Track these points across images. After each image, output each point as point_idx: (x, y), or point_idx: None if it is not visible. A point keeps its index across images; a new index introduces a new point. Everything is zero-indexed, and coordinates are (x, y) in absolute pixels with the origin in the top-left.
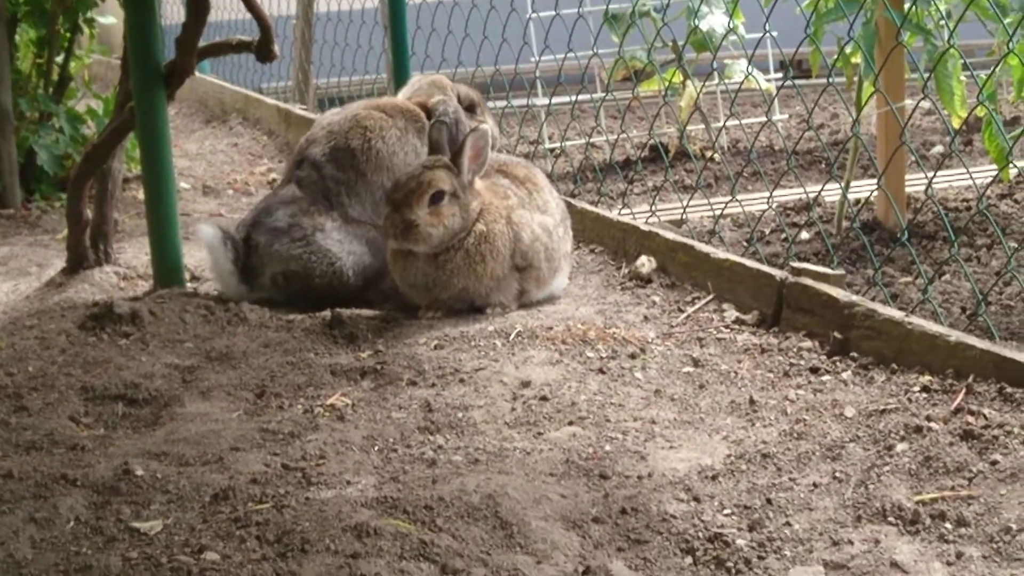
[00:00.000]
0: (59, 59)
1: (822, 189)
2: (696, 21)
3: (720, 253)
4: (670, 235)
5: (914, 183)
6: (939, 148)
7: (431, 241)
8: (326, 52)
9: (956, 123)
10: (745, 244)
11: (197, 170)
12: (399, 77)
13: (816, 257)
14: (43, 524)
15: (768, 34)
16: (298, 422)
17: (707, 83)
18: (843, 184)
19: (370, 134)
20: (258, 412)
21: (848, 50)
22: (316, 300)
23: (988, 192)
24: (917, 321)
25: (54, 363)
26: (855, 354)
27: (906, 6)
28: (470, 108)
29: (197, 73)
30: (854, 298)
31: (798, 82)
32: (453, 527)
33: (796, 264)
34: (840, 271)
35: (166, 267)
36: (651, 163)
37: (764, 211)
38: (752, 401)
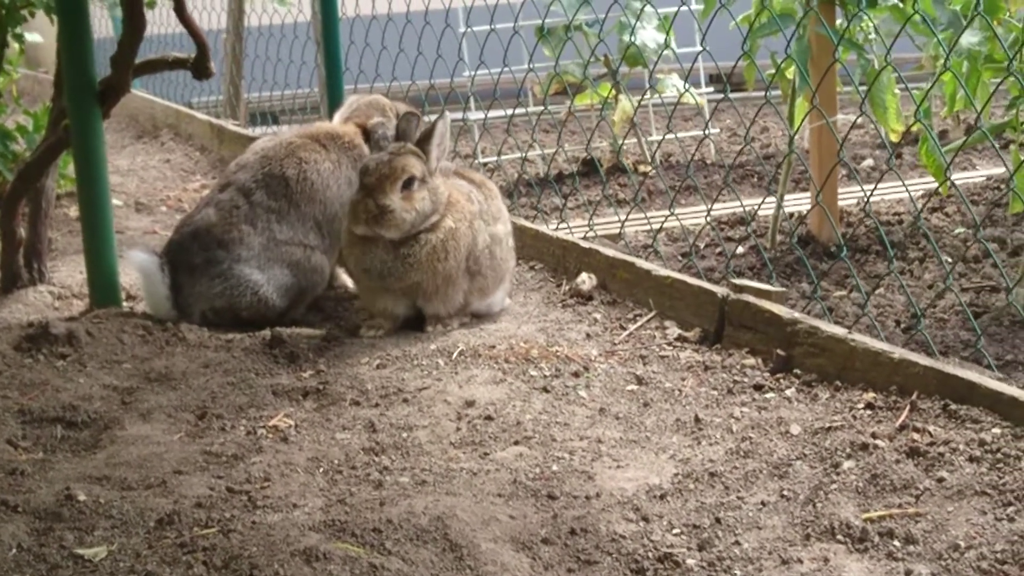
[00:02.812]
0: None
1: (761, 204)
2: (629, 36)
3: (661, 270)
4: (610, 252)
5: (845, 197)
6: (869, 162)
7: (403, 226)
8: (257, 67)
9: (894, 137)
10: (681, 258)
11: (129, 186)
12: (333, 93)
13: (752, 271)
14: None
15: (704, 49)
16: (241, 444)
17: (641, 98)
18: (777, 198)
19: (305, 165)
20: (200, 434)
21: (782, 65)
22: (246, 325)
23: (919, 205)
24: (860, 338)
25: None
26: (798, 371)
27: (838, 22)
28: None
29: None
30: (796, 315)
31: (732, 96)
32: (402, 550)
33: (737, 281)
34: (780, 288)
35: (102, 287)
36: (584, 177)
37: (702, 227)
38: (697, 419)
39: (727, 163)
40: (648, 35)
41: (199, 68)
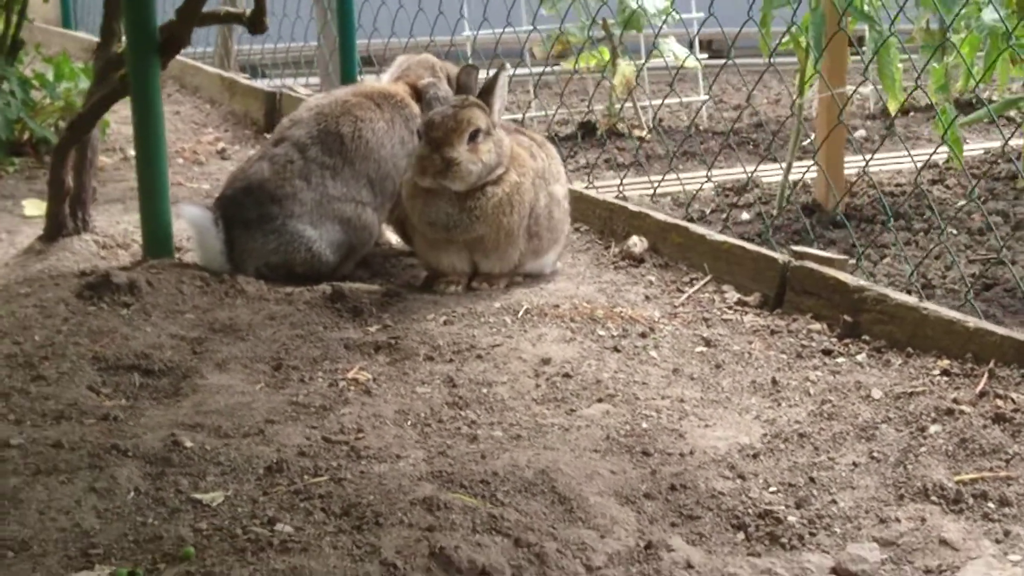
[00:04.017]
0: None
1: (756, 170)
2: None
3: (716, 235)
4: (661, 216)
5: (848, 166)
6: (861, 132)
7: (470, 178)
8: None
9: (893, 108)
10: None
11: None
12: (346, 45)
13: (759, 238)
14: (104, 494)
15: (711, 15)
16: (325, 395)
17: (637, 62)
18: (785, 166)
19: (360, 123)
20: (280, 385)
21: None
22: (300, 280)
23: (921, 177)
24: (932, 307)
25: (59, 332)
26: (867, 337)
27: None
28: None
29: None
30: (863, 283)
31: (721, 62)
32: (514, 502)
33: (797, 248)
34: (843, 256)
35: (157, 238)
36: (580, 141)
37: (698, 189)
38: (775, 382)
39: (719, 129)
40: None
41: (255, 23)
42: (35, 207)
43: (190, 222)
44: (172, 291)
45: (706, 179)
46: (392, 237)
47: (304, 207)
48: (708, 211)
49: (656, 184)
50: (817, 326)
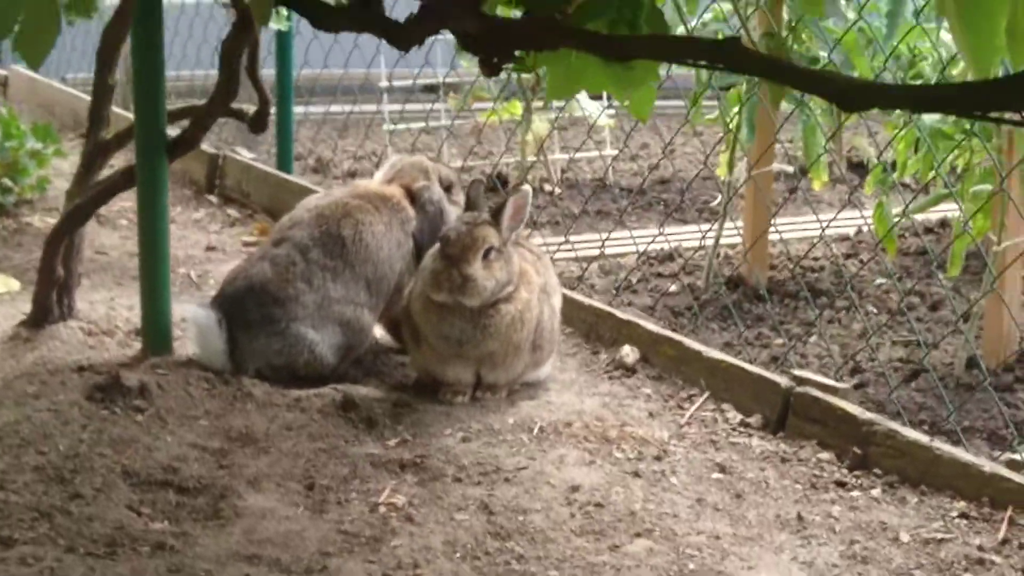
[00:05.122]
0: None
1: (680, 239)
2: None
3: (713, 352)
4: (651, 326)
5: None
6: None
7: (484, 294)
8: None
9: (817, 186)
10: (614, 292)
11: None
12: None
13: (689, 311)
14: None
15: None
16: (370, 523)
17: (550, 116)
18: (714, 241)
19: (361, 227)
20: (320, 508)
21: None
22: (301, 379)
23: (835, 251)
24: (945, 447)
25: (81, 441)
26: (878, 471)
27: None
28: (447, 189)
29: (31, 74)
30: (871, 415)
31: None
32: None
33: (798, 372)
34: (847, 384)
35: (159, 334)
36: (492, 192)
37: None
38: (800, 517)
39: (624, 184)
40: None
41: (257, 122)
42: (2, 283)
43: (193, 322)
44: (181, 393)
45: (632, 245)
46: (377, 331)
47: (307, 310)
48: (635, 280)
49: (575, 246)
50: (826, 455)
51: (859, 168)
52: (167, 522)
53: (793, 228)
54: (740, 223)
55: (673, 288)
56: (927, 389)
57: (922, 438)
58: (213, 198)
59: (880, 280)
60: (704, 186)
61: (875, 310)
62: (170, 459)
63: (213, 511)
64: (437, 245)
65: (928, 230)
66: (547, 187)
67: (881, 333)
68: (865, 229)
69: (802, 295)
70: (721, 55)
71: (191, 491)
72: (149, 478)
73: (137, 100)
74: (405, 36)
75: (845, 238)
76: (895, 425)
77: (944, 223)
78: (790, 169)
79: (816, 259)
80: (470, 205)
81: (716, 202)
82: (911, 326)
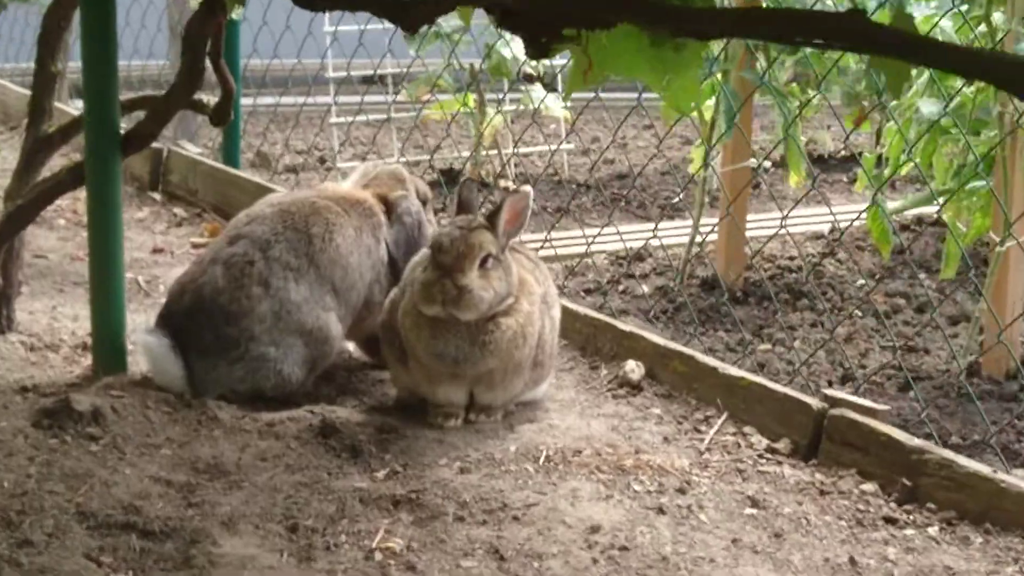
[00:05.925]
0: None
1: (650, 234)
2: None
3: (730, 369)
4: (657, 339)
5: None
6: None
7: (481, 307)
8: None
9: (794, 182)
10: (584, 295)
11: None
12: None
13: (665, 315)
14: None
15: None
16: (365, 572)
17: (502, 109)
18: (689, 240)
19: (332, 226)
20: (307, 555)
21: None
22: (267, 400)
23: (812, 252)
24: (1010, 479)
25: (29, 476)
26: (932, 505)
27: (758, 65)
28: (423, 203)
29: None
30: (920, 442)
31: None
32: None
33: (830, 392)
34: (886, 406)
35: (112, 350)
36: (444, 188)
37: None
38: (853, 561)
39: (580, 179)
40: (517, 46)
41: (220, 113)
42: None
43: (144, 349)
44: (139, 419)
45: (590, 243)
46: (349, 345)
47: (264, 324)
48: (604, 281)
49: (541, 244)
50: (869, 487)
51: (820, 162)
52: (131, 573)
53: (761, 226)
54: (713, 220)
55: (645, 290)
56: (927, 399)
57: (983, 468)
58: (157, 195)
59: (861, 281)
60: (664, 181)
61: (860, 314)
62: (131, 496)
63: (183, 559)
64: (424, 251)
65: (904, 227)
66: (502, 183)
67: (868, 338)
68: (842, 226)
69: (781, 297)
70: (841, 31)
71: (157, 535)
72: (108, 520)
73: (87, 90)
74: (411, 16)
75: (819, 236)
76: (949, 453)
77: (921, 220)
78: (768, 164)
79: (792, 259)
80: (462, 207)
81: (678, 199)
82: (899, 331)
